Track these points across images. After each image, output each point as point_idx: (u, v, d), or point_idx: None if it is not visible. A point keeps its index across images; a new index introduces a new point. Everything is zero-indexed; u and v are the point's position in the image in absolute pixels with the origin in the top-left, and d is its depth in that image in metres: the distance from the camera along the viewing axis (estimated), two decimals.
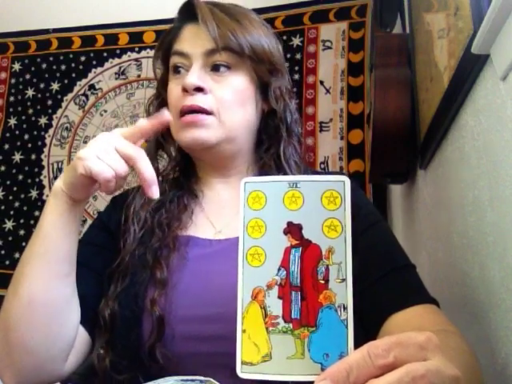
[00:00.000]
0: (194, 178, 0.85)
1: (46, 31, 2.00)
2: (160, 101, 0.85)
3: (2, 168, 1.90)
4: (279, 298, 0.39)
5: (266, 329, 0.38)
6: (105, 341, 0.69)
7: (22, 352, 0.64)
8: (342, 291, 0.38)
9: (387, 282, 0.69)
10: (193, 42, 0.79)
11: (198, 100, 0.75)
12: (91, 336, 0.72)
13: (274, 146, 0.81)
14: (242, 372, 0.38)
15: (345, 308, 0.37)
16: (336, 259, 0.39)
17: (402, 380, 0.32)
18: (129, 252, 0.73)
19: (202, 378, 0.52)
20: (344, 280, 0.38)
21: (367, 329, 0.65)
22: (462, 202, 0.79)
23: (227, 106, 0.76)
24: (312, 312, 0.38)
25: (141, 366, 0.65)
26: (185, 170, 0.85)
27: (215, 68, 0.77)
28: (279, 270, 0.39)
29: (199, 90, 0.75)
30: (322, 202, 0.40)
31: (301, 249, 0.39)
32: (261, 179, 0.43)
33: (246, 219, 0.41)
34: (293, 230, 0.40)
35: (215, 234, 0.76)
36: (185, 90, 0.75)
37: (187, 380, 0.52)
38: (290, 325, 0.38)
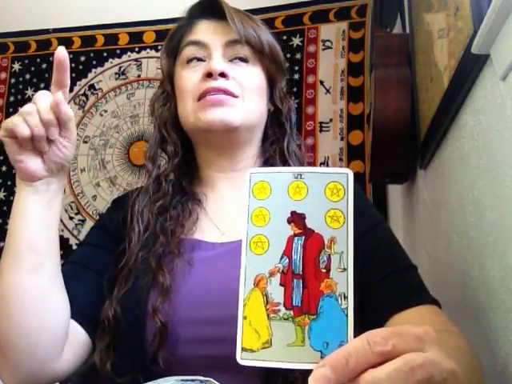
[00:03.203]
0: (196, 180, 0.85)
1: (46, 31, 2.00)
2: (165, 95, 0.85)
3: (4, 168, 1.90)
4: (281, 285, 0.39)
5: (267, 316, 0.38)
6: (107, 343, 0.68)
7: (9, 348, 0.63)
8: (343, 280, 0.38)
9: (389, 283, 0.69)
10: (211, 33, 0.81)
11: (222, 83, 0.77)
12: (91, 337, 0.71)
13: (279, 141, 0.84)
14: (241, 359, 0.38)
15: (345, 297, 0.38)
16: (338, 249, 0.39)
17: (401, 370, 0.32)
18: (133, 254, 0.73)
19: (201, 378, 0.52)
20: (345, 270, 0.38)
21: (368, 329, 0.65)
22: (462, 202, 0.79)
23: (249, 91, 0.79)
24: (313, 300, 0.38)
25: (143, 369, 0.65)
26: (186, 170, 0.85)
27: (235, 59, 0.80)
28: (282, 257, 0.40)
29: (222, 75, 0.77)
30: (326, 193, 0.40)
31: (304, 238, 0.40)
32: (266, 170, 0.43)
33: (250, 208, 0.41)
34: (296, 219, 0.40)
35: (219, 237, 0.76)
36: (208, 75, 0.76)
37: (187, 380, 0.52)
38: (291, 312, 0.38)
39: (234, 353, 0.38)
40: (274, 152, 0.83)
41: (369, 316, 0.66)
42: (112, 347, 0.68)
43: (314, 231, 0.40)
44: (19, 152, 0.62)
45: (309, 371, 0.35)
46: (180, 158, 0.82)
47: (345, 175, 0.41)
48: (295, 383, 0.60)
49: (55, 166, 0.64)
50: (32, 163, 0.63)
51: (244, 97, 0.78)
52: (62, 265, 0.70)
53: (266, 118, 0.84)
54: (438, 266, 0.98)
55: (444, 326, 0.62)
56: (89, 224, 1.76)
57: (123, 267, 0.72)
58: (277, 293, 0.39)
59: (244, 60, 0.80)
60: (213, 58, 0.78)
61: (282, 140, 0.84)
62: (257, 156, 0.84)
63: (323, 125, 1.70)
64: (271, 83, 0.85)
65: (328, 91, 1.72)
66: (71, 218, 1.81)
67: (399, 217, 1.48)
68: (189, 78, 0.79)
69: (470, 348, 0.57)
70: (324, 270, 0.39)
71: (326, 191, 0.40)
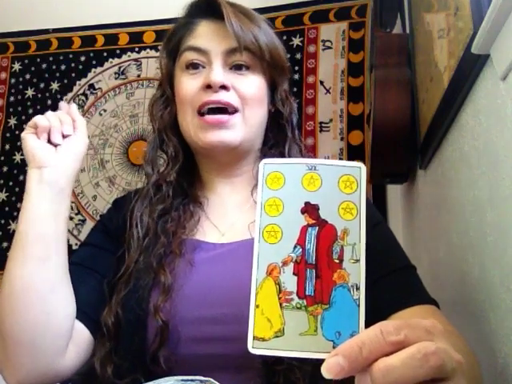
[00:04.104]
0: (198, 183, 0.85)
1: (46, 31, 1.99)
2: (165, 98, 0.85)
3: (4, 169, 1.89)
4: (294, 274, 0.39)
5: (280, 304, 0.39)
6: (108, 348, 0.68)
7: (13, 344, 0.63)
8: (356, 271, 0.39)
9: (387, 283, 0.69)
10: (211, 38, 0.79)
11: (223, 96, 0.76)
12: (94, 337, 0.71)
13: (279, 145, 0.83)
14: (253, 348, 0.38)
15: (357, 288, 0.38)
16: (350, 240, 0.39)
17: (415, 356, 0.33)
18: (133, 261, 0.73)
19: (201, 377, 0.52)
20: (357, 261, 0.39)
21: (367, 327, 0.65)
22: (462, 202, 0.79)
23: (250, 103, 0.78)
24: (326, 290, 0.38)
25: (144, 369, 0.65)
26: (186, 173, 0.84)
27: (235, 67, 0.78)
28: (295, 247, 0.40)
29: (223, 87, 0.76)
30: (339, 186, 0.41)
31: (317, 228, 0.40)
32: (280, 161, 0.43)
33: (263, 198, 0.41)
34: (310, 209, 0.41)
35: (219, 237, 0.76)
36: (208, 87, 0.76)
37: (187, 380, 0.52)
38: (304, 301, 0.38)
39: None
40: (272, 155, 0.82)
41: (367, 315, 0.66)
42: (113, 350, 0.68)
43: (327, 222, 0.40)
44: (36, 140, 0.69)
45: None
46: (181, 163, 0.82)
47: (358, 169, 0.41)
48: (297, 382, 0.60)
49: (66, 156, 0.69)
50: (45, 148, 0.69)
51: (244, 110, 0.77)
52: None
53: (266, 123, 0.84)
54: (438, 266, 0.98)
55: (442, 325, 0.62)
56: (89, 224, 1.76)
57: (123, 273, 0.72)
58: (290, 282, 0.39)
59: (245, 67, 0.79)
60: (213, 68, 0.76)
61: (283, 144, 0.83)
62: (256, 160, 0.84)
63: (323, 125, 1.70)
64: (273, 86, 0.84)
65: (328, 91, 1.72)
66: (71, 218, 1.80)
67: (399, 217, 1.48)
68: (188, 87, 0.78)
69: (467, 347, 0.58)
70: (337, 261, 0.39)
71: (339, 183, 0.41)
